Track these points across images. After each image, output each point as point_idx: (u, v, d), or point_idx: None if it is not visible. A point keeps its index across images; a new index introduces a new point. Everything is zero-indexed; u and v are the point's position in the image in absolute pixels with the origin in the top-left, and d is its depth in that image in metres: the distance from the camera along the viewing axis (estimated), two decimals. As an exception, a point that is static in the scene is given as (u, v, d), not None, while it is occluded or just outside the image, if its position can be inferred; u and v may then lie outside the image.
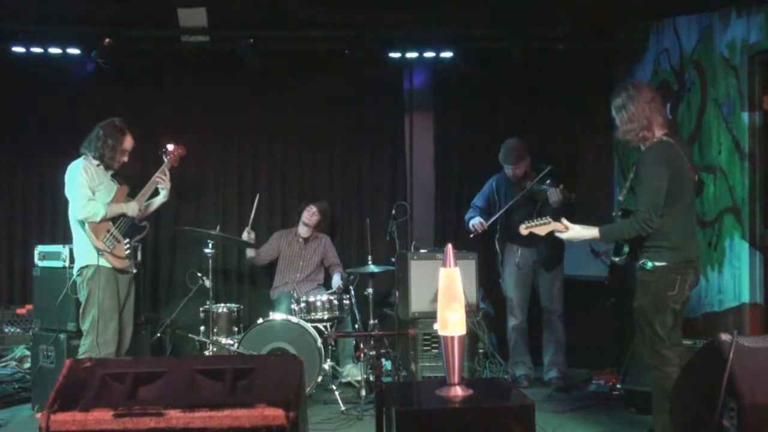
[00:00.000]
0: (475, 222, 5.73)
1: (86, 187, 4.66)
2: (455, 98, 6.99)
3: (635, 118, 3.82)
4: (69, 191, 4.73)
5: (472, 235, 5.73)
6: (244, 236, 6.14)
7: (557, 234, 3.99)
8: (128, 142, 4.85)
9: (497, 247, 5.96)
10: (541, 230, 3.99)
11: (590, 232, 3.92)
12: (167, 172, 5.05)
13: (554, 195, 5.49)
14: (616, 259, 4.01)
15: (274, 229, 6.81)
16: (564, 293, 5.91)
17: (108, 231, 4.68)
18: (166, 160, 5.09)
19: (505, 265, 5.94)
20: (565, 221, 3.97)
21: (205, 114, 6.85)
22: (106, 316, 4.60)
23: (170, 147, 5.14)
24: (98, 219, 4.64)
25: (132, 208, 4.81)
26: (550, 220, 4.00)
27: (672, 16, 5.73)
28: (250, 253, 6.36)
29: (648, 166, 3.79)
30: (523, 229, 4.03)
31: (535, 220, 4.02)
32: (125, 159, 4.88)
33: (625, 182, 4.12)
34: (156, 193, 5.05)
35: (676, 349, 3.84)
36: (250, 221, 6.19)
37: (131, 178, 5.17)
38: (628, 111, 3.83)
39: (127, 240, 4.77)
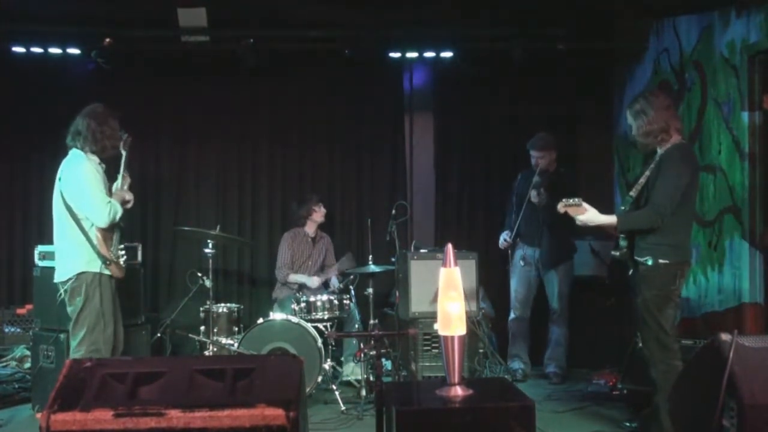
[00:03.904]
0: (502, 243, 5.97)
1: (102, 190, 4.33)
2: (455, 98, 6.99)
3: (655, 121, 3.94)
4: (82, 194, 4.29)
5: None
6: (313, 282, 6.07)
7: (572, 215, 4.01)
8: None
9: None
10: (573, 211, 4.00)
11: (608, 218, 4.00)
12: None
13: (534, 195, 5.68)
14: (616, 253, 4.08)
15: (274, 228, 6.81)
16: (570, 294, 5.96)
17: (111, 239, 4.39)
18: (124, 153, 4.57)
19: (513, 259, 6.07)
20: (584, 204, 4.01)
21: (205, 114, 6.85)
22: (106, 321, 4.32)
23: (124, 135, 4.62)
24: (118, 218, 4.34)
25: (122, 185, 4.53)
26: (581, 201, 4.01)
27: (672, 16, 5.74)
28: (300, 279, 6.12)
29: (673, 166, 3.90)
30: (561, 207, 4.04)
31: (572, 199, 4.03)
32: None
33: (635, 180, 4.16)
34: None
35: (678, 343, 3.98)
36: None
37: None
38: (648, 115, 3.95)
39: (122, 245, 4.52)
